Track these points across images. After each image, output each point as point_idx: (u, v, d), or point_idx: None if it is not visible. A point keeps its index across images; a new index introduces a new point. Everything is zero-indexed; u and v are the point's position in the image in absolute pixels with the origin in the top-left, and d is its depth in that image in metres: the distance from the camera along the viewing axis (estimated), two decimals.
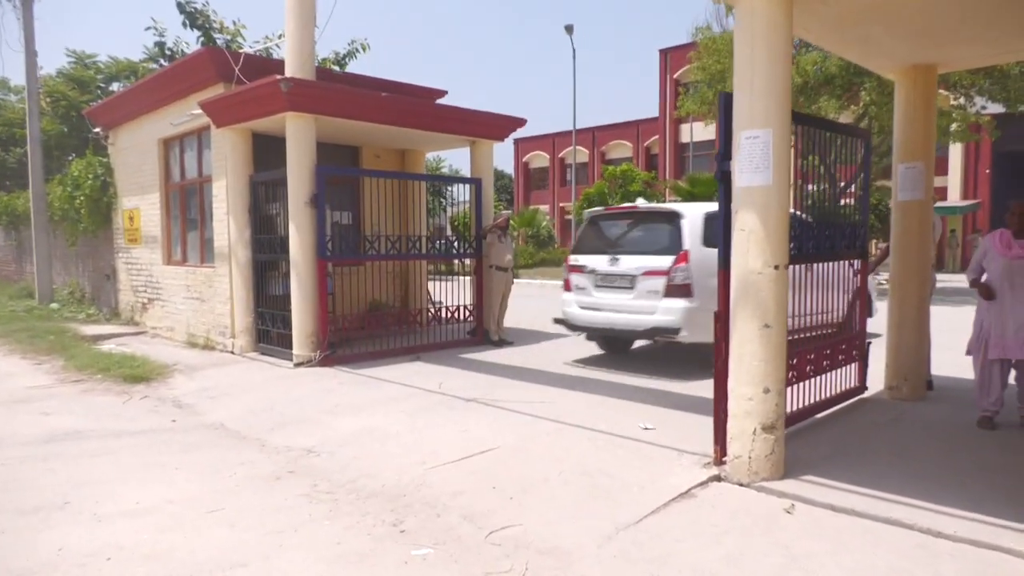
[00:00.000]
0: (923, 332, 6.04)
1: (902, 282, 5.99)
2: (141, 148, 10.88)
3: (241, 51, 9.44)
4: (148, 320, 11.00)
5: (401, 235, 8.81)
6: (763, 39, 3.85)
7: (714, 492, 3.90)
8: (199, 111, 8.61)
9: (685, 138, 36.25)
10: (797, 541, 3.25)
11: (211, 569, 3.05)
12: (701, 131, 33.03)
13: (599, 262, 7.52)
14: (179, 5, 12.95)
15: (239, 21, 13.81)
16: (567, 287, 8.02)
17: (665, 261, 6.92)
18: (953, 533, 3.25)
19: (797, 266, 4.70)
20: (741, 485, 3.95)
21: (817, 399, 5.21)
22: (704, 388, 4.35)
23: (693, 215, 7.09)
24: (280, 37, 11.37)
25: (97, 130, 12.14)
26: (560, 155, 46.57)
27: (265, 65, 8.79)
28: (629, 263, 7.23)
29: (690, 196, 21.56)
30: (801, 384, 4.92)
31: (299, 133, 7.72)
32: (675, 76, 35.67)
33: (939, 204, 15.41)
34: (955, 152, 25.31)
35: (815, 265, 5.19)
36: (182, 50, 14.07)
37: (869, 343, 6.00)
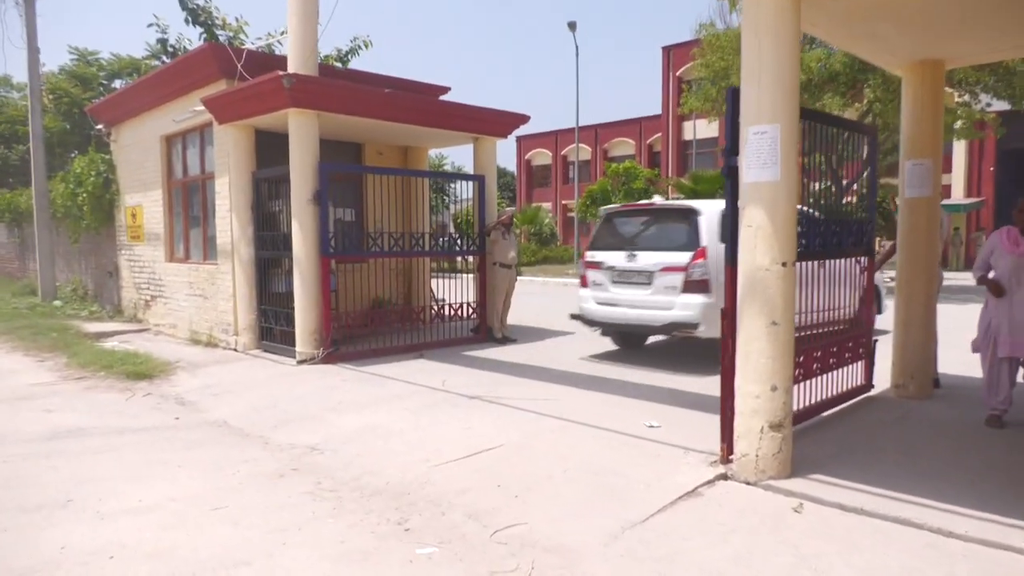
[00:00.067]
0: (930, 330, 6.00)
1: (909, 279, 5.94)
2: (143, 145, 10.86)
3: (244, 47, 9.41)
4: (151, 317, 10.99)
5: (404, 232, 8.79)
6: (771, 32, 3.81)
7: (721, 491, 3.86)
8: (201, 108, 8.58)
9: (688, 135, 36.16)
10: (806, 540, 3.22)
11: (214, 567, 3.03)
12: (704, 128, 32.89)
13: (616, 258, 7.64)
14: (181, 2, 12.89)
15: (241, 18, 13.79)
16: (583, 283, 8.14)
17: (683, 257, 7.02)
18: (964, 533, 3.21)
19: (804, 263, 4.66)
20: (748, 484, 3.92)
21: (824, 397, 5.18)
22: (717, 384, 4.32)
23: (711, 212, 7.14)
24: (283, 33, 11.31)
25: (99, 127, 12.13)
26: (562, 152, 46.48)
27: (268, 61, 8.76)
28: (647, 259, 7.33)
29: (693, 193, 21.50)
30: (807, 382, 4.88)
31: (302, 129, 7.70)
32: (678, 73, 35.58)
33: (943, 202, 15.36)
34: (959, 149, 25.21)
35: (821, 262, 5.15)
36: (184, 47, 14.02)
37: (876, 341, 5.96)
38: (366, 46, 14.01)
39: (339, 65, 13.07)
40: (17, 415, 5.69)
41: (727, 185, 4.21)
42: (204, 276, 9.44)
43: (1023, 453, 4.42)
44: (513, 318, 9.95)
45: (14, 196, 17.61)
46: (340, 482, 4.07)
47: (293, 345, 7.86)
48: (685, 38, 27.06)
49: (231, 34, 13.52)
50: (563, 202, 45.32)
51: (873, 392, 5.94)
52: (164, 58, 14.74)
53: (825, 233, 4.93)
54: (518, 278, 10.14)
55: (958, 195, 25.79)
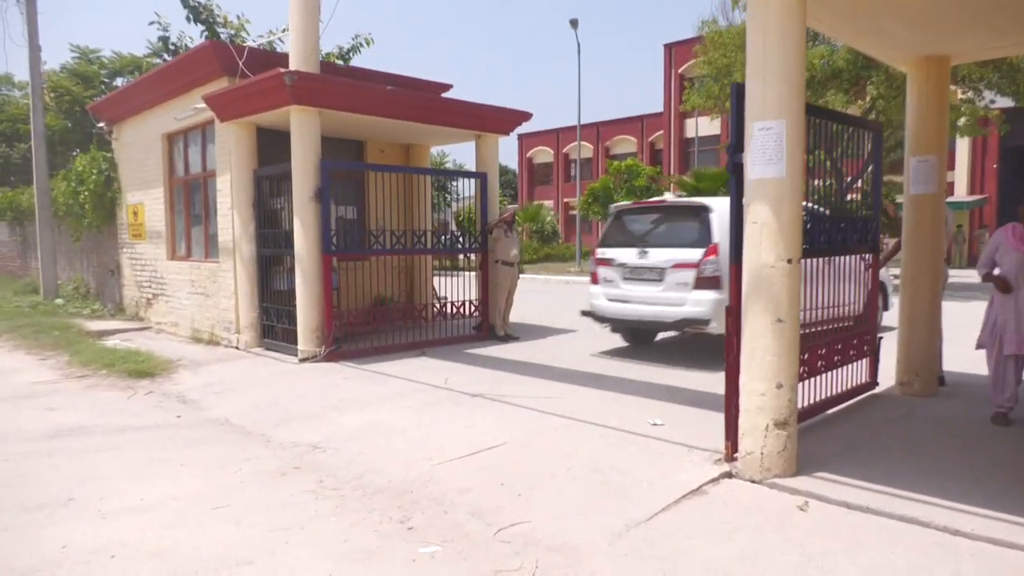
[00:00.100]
0: (935, 327, 5.97)
1: (914, 276, 5.91)
2: (145, 143, 10.85)
3: (245, 45, 9.39)
4: (153, 316, 10.99)
5: (406, 230, 8.77)
6: (776, 26, 3.77)
7: (726, 489, 3.84)
8: (203, 105, 8.56)
9: (690, 133, 36.09)
10: (812, 539, 3.20)
11: (216, 566, 3.01)
12: (706, 126, 32.88)
13: (627, 255, 7.66)
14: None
15: (243, 15, 13.72)
16: (594, 280, 8.17)
17: (695, 254, 7.05)
18: (971, 531, 3.18)
19: (809, 260, 4.63)
20: (753, 482, 3.89)
21: (828, 395, 5.15)
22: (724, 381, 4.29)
23: (722, 208, 7.12)
24: (284, 31, 11.28)
25: (101, 125, 12.12)
26: (564, 150, 46.42)
27: (269, 59, 8.74)
28: (658, 256, 7.36)
29: (695, 191, 21.43)
30: (812, 380, 4.86)
31: (303, 127, 7.67)
32: (680, 71, 35.51)
33: (946, 199, 15.35)
34: (962, 146, 25.14)
35: (824, 258, 5.12)
36: (186, 45, 13.98)
37: (880, 338, 5.93)
38: (367, 44, 13.97)
39: (340, 63, 13.04)
40: (19, 413, 5.68)
41: (732, 182, 4.17)
42: (206, 274, 9.43)
43: None
44: (515, 316, 9.93)
45: (16, 194, 17.63)
46: (342, 480, 4.05)
47: (295, 343, 7.84)
48: (687, 35, 27.03)
49: (232, 32, 13.47)
50: (565, 200, 45.27)
51: (878, 389, 5.91)
52: (165, 56, 14.69)
53: (830, 230, 4.90)
54: (520, 276, 10.12)
55: (961, 192, 25.73)
